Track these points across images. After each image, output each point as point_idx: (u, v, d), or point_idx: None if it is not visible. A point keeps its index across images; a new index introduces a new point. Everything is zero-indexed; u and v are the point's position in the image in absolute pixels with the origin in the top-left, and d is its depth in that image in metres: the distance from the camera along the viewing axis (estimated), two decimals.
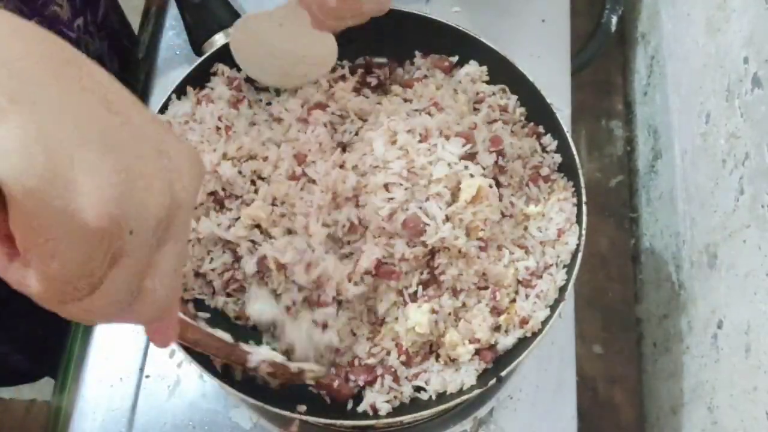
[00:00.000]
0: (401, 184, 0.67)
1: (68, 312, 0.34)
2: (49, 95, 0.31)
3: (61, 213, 0.29)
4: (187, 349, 0.62)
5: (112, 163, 0.31)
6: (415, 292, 0.68)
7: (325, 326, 0.69)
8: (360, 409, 0.67)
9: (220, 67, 0.76)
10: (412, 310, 0.66)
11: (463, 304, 0.69)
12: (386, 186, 0.67)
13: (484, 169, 0.71)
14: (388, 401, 0.66)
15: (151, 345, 0.80)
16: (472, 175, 0.69)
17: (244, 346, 0.61)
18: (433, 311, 0.66)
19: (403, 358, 0.67)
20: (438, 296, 0.68)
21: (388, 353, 0.68)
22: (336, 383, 0.67)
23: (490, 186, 0.69)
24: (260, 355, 0.61)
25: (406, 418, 0.66)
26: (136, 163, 0.32)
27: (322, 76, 0.77)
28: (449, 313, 0.68)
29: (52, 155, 0.29)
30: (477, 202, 0.67)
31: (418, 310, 0.66)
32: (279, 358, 0.62)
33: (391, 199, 0.66)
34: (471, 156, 0.71)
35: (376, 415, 0.66)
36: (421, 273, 0.68)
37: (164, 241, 0.35)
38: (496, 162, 0.72)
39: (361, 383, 0.67)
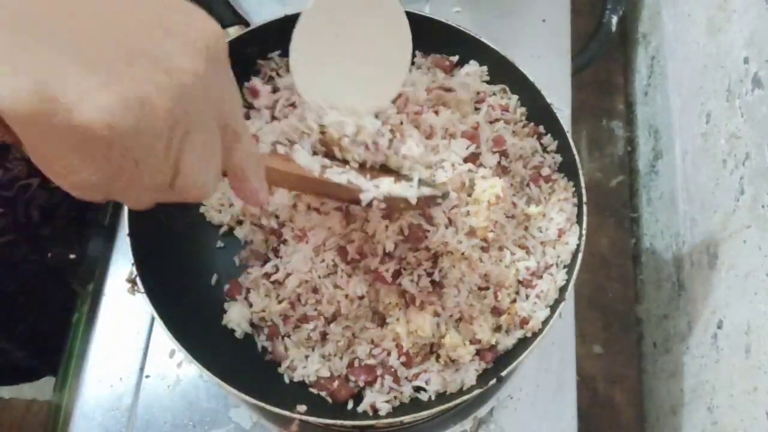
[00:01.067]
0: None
1: (114, 199, 0.35)
2: (29, 15, 0.31)
3: (65, 132, 0.30)
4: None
5: (104, 71, 0.31)
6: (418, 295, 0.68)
7: (324, 337, 0.69)
8: (360, 409, 0.67)
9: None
10: (413, 314, 0.66)
11: (465, 306, 0.69)
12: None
13: (488, 169, 0.71)
14: (388, 401, 0.66)
15: (151, 345, 0.80)
16: (483, 177, 0.69)
17: (357, 180, 0.59)
18: (435, 314, 0.66)
19: (403, 359, 0.67)
20: (439, 298, 0.67)
21: (389, 354, 0.68)
22: (335, 384, 0.67)
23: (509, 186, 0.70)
24: (376, 191, 0.59)
25: (406, 418, 0.65)
26: (130, 63, 0.32)
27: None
28: (450, 315, 0.68)
29: (39, 79, 0.30)
30: (494, 204, 0.67)
31: (420, 314, 0.66)
32: (398, 191, 0.60)
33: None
34: (474, 156, 0.71)
35: (376, 415, 0.66)
36: (422, 276, 0.68)
37: (188, 128, 0.35)
38: (499, 162, 0.72)
39: (361, 383, 0.67)
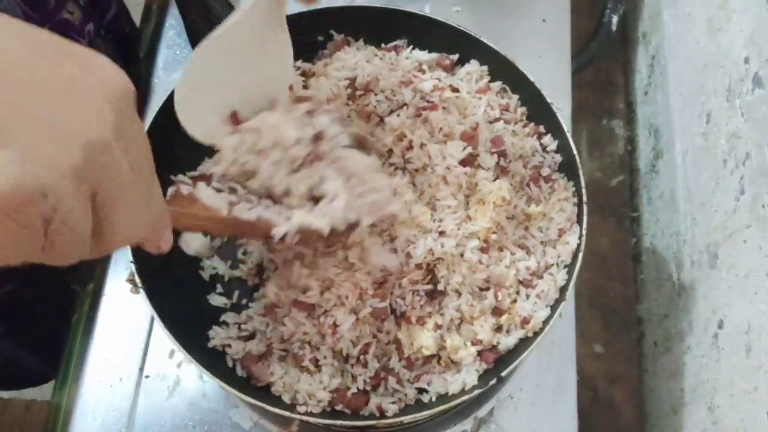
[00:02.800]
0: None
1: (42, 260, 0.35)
2: None
3: None
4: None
5: (13, 141, 0.32)
6: (418, 310, 0.67)
7: (317, 363, 0.67)
8: (367, 411, 0.66)
9: None
10: (416, 332, 0.66)
11: (466, 307, 0.68)
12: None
13: (486, 170, 0.71)
14: (393, 402, 0.66)
15: (151, 345, 0.80)
16: (486, 179, 0.69)
17: (267, 213, 0.57)
18: (437, 327, 0.66)
19: (404, 362, 0.67)
20: (439, 306, 0.67)
21: (389, 359, 0.67)
22: (350, 393, 0.66)
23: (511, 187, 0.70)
24: (288, 225, 0.57)
25: (407, 418, 0.65)
26: (33, 130, 0.33)
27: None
28: (450, 319, 0.67)
29: None
30: (499, 206, 0.67)
31: (423, 333, 0.65)
32: (313, 221, 0.58)
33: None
34: (472, 158, 0.71)
35: (378, 415, 0.66)
36: (424, 285, 0.67)
37: (99, 182, 0.36)
38: (497, 163, 0.72)
39: (368, 387, 0.67)
